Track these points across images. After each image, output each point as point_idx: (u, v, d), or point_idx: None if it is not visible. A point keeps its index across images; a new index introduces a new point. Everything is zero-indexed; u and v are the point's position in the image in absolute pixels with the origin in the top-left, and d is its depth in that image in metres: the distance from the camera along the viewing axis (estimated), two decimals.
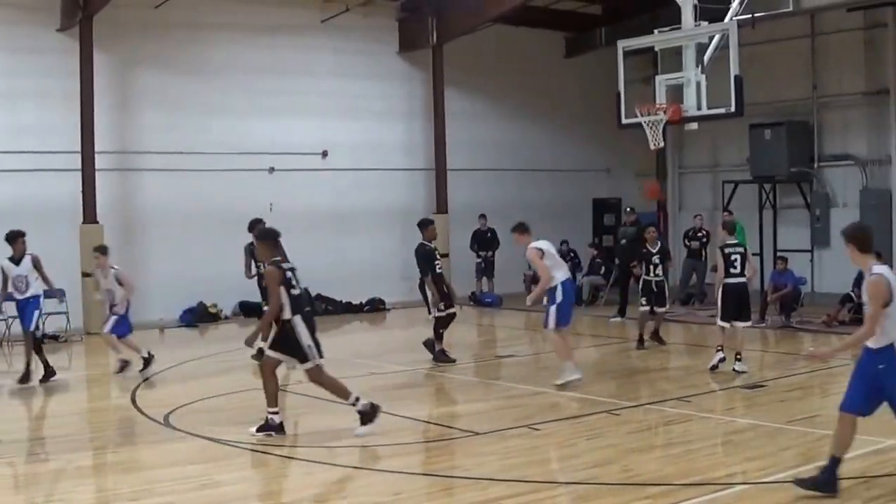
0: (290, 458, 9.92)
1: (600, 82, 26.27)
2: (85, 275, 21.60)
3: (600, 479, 9.02)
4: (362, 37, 26.06)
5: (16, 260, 15.58)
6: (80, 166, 21.84)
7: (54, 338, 20.61)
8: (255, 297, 23.55)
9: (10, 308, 17.74)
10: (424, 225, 17.32)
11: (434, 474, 9.65)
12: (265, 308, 13.29)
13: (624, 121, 18.92)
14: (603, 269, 25.66)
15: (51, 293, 16.95)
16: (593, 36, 28.46)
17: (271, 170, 24.39)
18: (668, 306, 18.13)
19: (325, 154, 25.34)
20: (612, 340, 19.28)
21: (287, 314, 10.96)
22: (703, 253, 24.50)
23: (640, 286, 18.20)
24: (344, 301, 24.94)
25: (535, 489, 8.70)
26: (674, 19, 18.36)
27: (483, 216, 26.26)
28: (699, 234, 24.85)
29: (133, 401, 13.38)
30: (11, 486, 8.94)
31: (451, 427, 11.76)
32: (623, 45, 19.14)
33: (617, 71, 19.20)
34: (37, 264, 15.76)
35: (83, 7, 21.62)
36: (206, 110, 23.74)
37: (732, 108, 17.30)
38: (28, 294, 15.67)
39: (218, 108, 23.90)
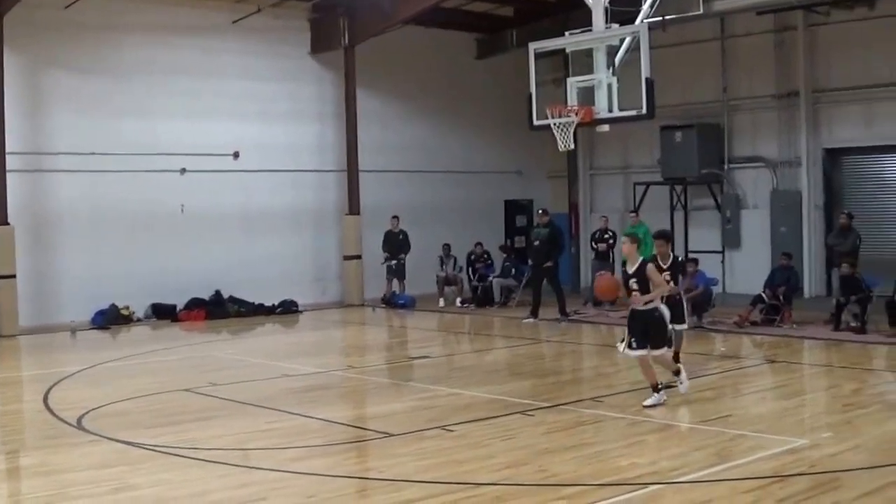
0: (205, 461, 9.84)
1: (512, 84, 26.54)
2: None
3: (516, 480, 9.08)
4: (274, 38, 25.95)
5: None
6: None
7: None
8: (168, 298, 23.59)
9: None
10: None
11: (349, 476, 9.65)
12: None
13: (535, 122, 18.95)
14: (514, 270, 25.75)
15: None
16: (505, 37, 28.55)
17: (182, 171, 24.16)
18: (686, 324, 15.44)
19: (236, 155, 25.16)
20: (525, 342, 19.40)
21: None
22: (611, 255, 24.65)
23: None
24: (256, 303, 24.75)
25: (451, 490, 8.74)
26: (585, 21, 18.42)
27: (395, 217, 26.22)
28: (605, 236, 25.00)
29: (46, 403, 13.19)
30: None
31: (365, 429, 11.77)
32: (534, 46, 19.17)
33: (528, 72, 19.25)
34: None
35: None
36: (118, 111, 23.44)
37: (644, 110, 17.34)
38: None
39: (130, 108, 23.61)
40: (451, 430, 11.14)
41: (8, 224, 21.58)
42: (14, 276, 21.58)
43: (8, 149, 21.65)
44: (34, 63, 22.66)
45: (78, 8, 22.51)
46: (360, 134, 26.59)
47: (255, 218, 25.56)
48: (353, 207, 26.59)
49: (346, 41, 26.17)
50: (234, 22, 25.06)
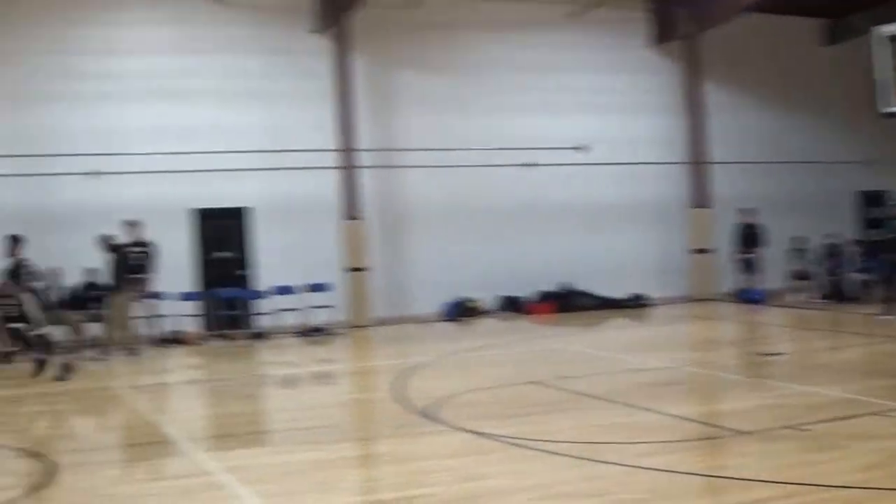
0: (552, 453, 9.71)
1: (858, 70, 25.02)
2: (350, 269, 22.15)
3: (871, 484, 8.42)
4: (612, 30, 25.72)
5: None
6: (340, 164, 22.37)
7: (320, 330, 21.11)
8: (514, 291, 23.86)
9: None
10: None
11: (697, 473, 9.25)
12: None
13: (885, 110, 17.73)
14: (869, 264, 24.29)
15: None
16: (850, 22, 27.02)
17: (528, 165, 24.28)
18: None
19: (580, 149, 25.05)
20: (883, 339, 18.24)
21: None
22: None
23: None
24: (605, 296, 24.57)
25: (802, 492, 8.19)
26: None
27: (748, 210, 25.16)
28: None
29: (397, 393, 13.48)
30: (280, 475, 9.08)
31: (714, 426, 11.30)
32: (882, 30, 17.98)
33: (876, 58, 18.03)
34: None
35: (338, 8, 22.15)
36: (464, 108, 23.96)
37: None
38: None
39: (475, 105, 24.08)
40: (804, 430, 10.52)
41: (361, 218, 22.43)
42: (368, 269, 22.42)
43: (361, 146, 22.52)
44: (383, 63, 23.47)
45: (423, 8, 23.17)
46: (706, 125, 25.93)
47: (597, 211, 25.37)
48: (702, 200, 25.96)
49: (689, 31, 25.57)
50: (571, 16, 24.98)
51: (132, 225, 19.54)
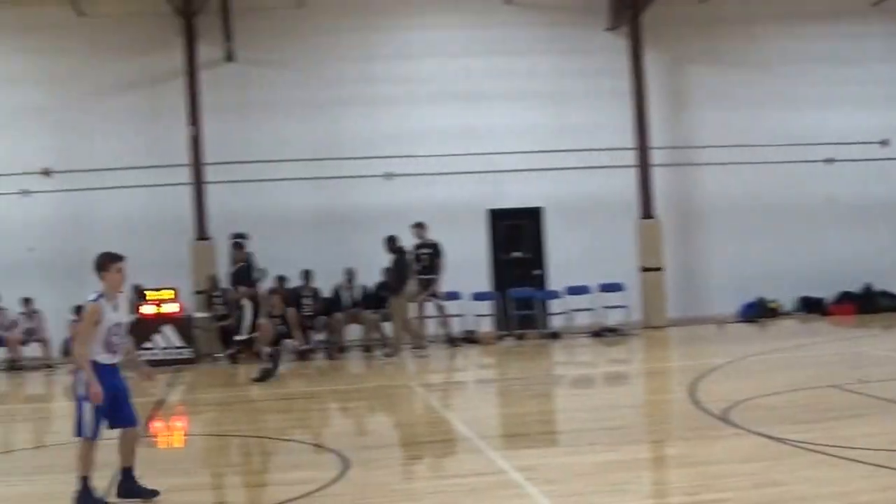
0: (850, 460, 9.21)
1: None
2: (644, 269, 21.88)
3: None
4: None
5: None
6: (634, 162, 22.13)
7: (614, 330, 20.94)
8: (815, 291, 22.92)
9: None
10: None
11: None
12: None
13: None
14: None
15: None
16: None
17: (827, 161, 23.23)
18: None
19: (885, 143, 23.79)
20: None
21: None
22: None
23: None
24: None
25: None
26: None
27: None
28: None
29: (691, 395, 13.17)
30: (570, 476, 9.01)
31: None
32: None
33: None
34: None
35: (632, 6, 21.91)
36: (758, 103, 23.21)
37: None
38: None
39: (770, 99, 23.29)
40: None
41: (655, 217, 22.11)
42: (662, 269, 22.07)
43: (653, 144, 22.20)
44: (675, 59, 23.07)
45: (715, 2, 22.61)
46: None
47: None
48: None
49: None
50: (875, 5, 23.74)
51: (419, 227, 19.98)
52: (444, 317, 20.47)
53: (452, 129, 22.18)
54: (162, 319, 19.50)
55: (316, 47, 22.37)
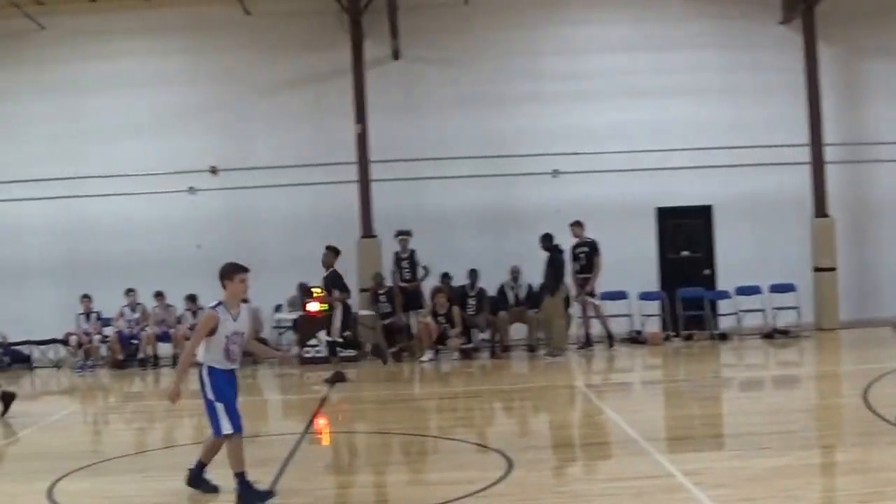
0: None
1: None
2: (817, 269, 21.24)
3: None
4: None
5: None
6: (808, 159, 21.48)
7: (784, 332, 20.37)
8: None
9: None
10: None
11: None
12: None
13: None
14: None
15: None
16: None
17: None
18: None
19: None
20: None
21: None
22: None
23: None
24: None
25: None
26: None
27: None
28: None
29: (865, 399, 12.68)
30: (740, 481, 8.74)
31: None
32: None
33: None
34: None
35: None
36: None
37: None
38: None
39: None
40: None
41: (829, 216, 21.42)
42: (835, 269, 21.37)
43: (827, 140, 21.51)
44: (849, 52, 22.32)
45: None
46: None
47: None
48: None
49: None
50: None
51: (577, 225, 19.80)
52: (600, 317, 20.15)
53: (620, 125, 21.88)
54: (327, 317, 19.66)
55: (481, 44, 22.34)
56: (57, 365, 20.92)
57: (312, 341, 19.53)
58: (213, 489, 8.94)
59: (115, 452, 10.91)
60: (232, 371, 8.75)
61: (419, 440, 11.69)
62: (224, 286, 8.76)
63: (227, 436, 8.58)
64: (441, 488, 8.91)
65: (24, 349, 21.24)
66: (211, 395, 8.60)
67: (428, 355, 19.26)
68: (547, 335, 19.25)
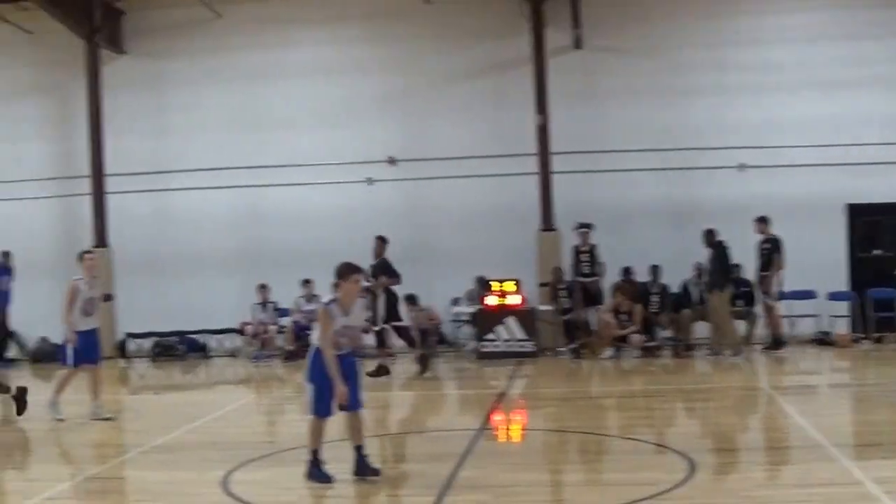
0: None
1: None
2: None
3: None
4: None
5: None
6: None
7: None
8: None
9: None
10: None
11: None
12: None
13: None
14: None
15: None
16: None
17: None
18: None
19: None
20: None
21: None
22: None
23: None
24: None
25: None
26: None
27: None
28: None
29: None
30: None
31: None
32: None
33: None
34: None
35: None
36: None
37: None
38: None
39: None
40: None
41: None
42: None
43: None
44: None
45: None
46: None
47: None
48: None
49: None
50: None
51: (762, 221, 19.22)
52: (770, 317, 19.47)
53: (808, 118, 21.10)
54: (505, 311, 19.61)
55: (664, 34, 21.86)
56: (233, 354, 21.40)
57: (490, 335, 19.46)
58: (375, 472, 9.33)
59: (290, 443, 11.02)
60: (340, 356, 9.15)
61: (597, 439, 11.49)
62: (338, 285, 9.25)
63: (314, 416, 9.22)
64: (620, 489, 8.70)
65: (200, 338, 21.81)
66: (309, 376, 9.23)
67: (608, 352, 19.00)
68: (715, 334, 18.69)
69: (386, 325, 17.54)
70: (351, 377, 9.25)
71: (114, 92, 22.56)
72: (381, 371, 16.98)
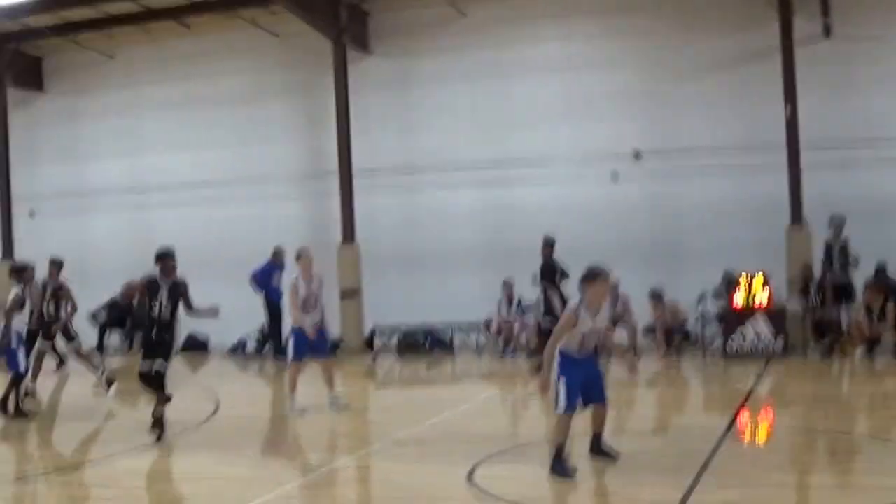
0: None
1: None
2: None
3: None
4: None
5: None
6: None
7: None
8: None
9: None
10: None
11: None
12: None
13: None
14: None
15: None
16: None
17: None
18: None
19: None
20: None
21: None
22: None
23: None
24: None
25: None
26: None
27: None
28: None
29: None
30: None
31: None
32: None
33: None
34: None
35: None
36: None
37: None
38: None
39: None
40: None
41: None
42: None
43: None
44: None
45: None
46: None
47: None
48: None
49: None
50: None
51: None
52: None
53: None
54: (752, 308, 19.21)
55: None
56: (477, 350, 21.71)
57: (737, 333, 19.10)
58: (613, 456, 9.82)
59: (535, 438, 11.16)
60: (585, 357, 9.57)
61: (847, 439, 11.18)
62: (585, 289, 9.51)
63: (560, 412, 9.43)
64: (874, 493, 8.45)
65: (446, 333, 22.21)
66: (557, 375, 9.44)
67: (859, 352, 18.37)
68: None
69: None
70: (594, 374, 9.66)
71: (360, 92, 23.30)
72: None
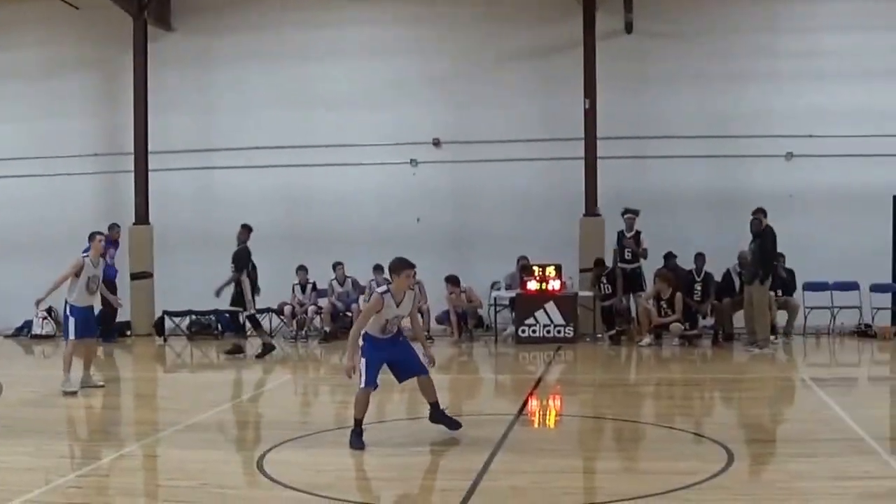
0: None
1: None
2: None
3: None
4: None
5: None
6: None
7: None
8: None
9: None
10: None
11: None
12: None
13: None
14: None
15: None
16: None
17: None
18: None
19: None
20: None
21: None
22: None
23: None
24: None
25: None
26: None
27: None
28: None
29: None
30: None
31: None
32: None
33: None
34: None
35: None
36: None
37: None
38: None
39: None
40: None
41: None
42: None
43: None
44: None
45: None
46: None
47: None
48: None
49: None
50: None
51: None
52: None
53: (857, 107, 20.73)
54: (545, 296, 19.53)
55: (715, 19, 21.59)
56: (271, 334, 21.42)
57: (530, 320, 19.39)
58: (457, 425, 10.36)
59: (326, 425, 11.04)
60: (387, 339, 10.04)
61: (634, 426, 11.42)
62: (392, 278, 10.15)
63: (361, 388, 9.87)
64: (658, 478, 8.62)
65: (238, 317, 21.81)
66: (361, 354, 9.93)
67: (647, 340, 18.88)
68: (751, 325, 18.28)
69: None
70: (401, 351, 10.19)
71: (160, 70, 22.65)
72: (236, 349, 18.28)
